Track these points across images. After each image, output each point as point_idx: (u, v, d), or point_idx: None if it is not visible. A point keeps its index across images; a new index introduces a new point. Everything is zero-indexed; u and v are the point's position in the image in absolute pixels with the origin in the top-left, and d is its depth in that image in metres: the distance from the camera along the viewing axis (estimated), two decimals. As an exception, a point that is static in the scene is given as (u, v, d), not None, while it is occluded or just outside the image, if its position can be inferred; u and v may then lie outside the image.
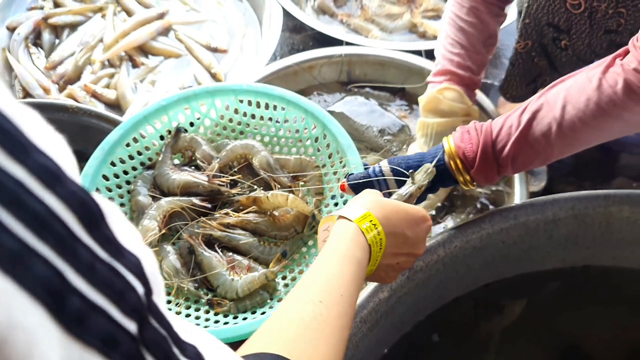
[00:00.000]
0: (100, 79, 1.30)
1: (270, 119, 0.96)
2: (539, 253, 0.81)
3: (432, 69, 1.03)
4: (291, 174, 0.89)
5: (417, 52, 1.23)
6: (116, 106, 1.27)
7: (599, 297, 0.85)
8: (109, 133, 0.91)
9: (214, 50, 1.35)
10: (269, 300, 0.78)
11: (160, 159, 0.91)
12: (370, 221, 0.57)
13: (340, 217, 0.58)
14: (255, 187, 0.88)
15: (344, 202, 0.86)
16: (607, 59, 0.69)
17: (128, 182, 0.91)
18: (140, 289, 0.26)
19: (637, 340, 0.81)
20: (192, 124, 0.95)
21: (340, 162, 0.88)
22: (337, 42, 1.28)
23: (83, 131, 1.05)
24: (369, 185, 0.78)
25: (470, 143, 0.73)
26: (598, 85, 0.67)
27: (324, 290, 0.50)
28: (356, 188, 0.79)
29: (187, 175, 0.88)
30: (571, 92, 0.69)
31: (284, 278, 0.80)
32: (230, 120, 0.96)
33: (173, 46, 1.37)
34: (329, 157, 0.91)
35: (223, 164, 0.91)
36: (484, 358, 0.83)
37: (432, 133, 0.99)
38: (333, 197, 0.87)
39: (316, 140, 0.92)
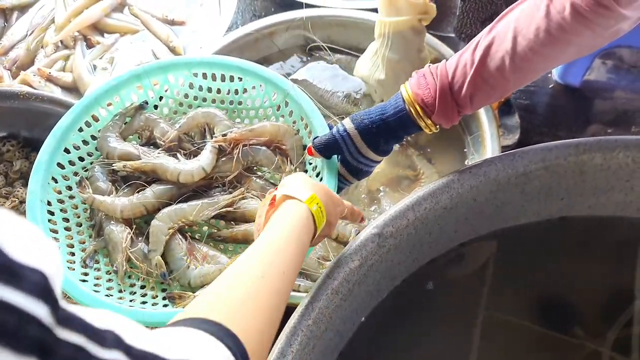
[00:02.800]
0: (54, 62, 1.25)
1: (228, 91, 0.92)
2: (513, 208, 0.79)
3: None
4: (270, 142, 0.86)
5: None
6: (74, 89, 1.22)
7: (578, 247, 0.84)
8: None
9: (172, 23, 1.30)
10: None
11: (108, 124, 0.88)
12: (317, 204, 0.59)
13: (288, 196, 0.60)
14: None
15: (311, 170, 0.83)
16: None
17: (85, 169, 0.87)
18: (42, 310, 0.24)
19: (616, 286, 0.80)
20: (146, 103, 0.91)
21: (306, 128, 0.86)
22: (298, 6, 1.23)
23: (37, 118, 1.00)
24: (335, 145, 0.77)
25: (427, 88, 0.72)
26: (546, 12, 0.64)
27: (269, 265, 0.51)
28: (323, 150, 0.79)
29: (130, 147, 0.85)
30: (520, 23, 0.66)
31: None
32: (186, 96, 0.93)
33: (129, 22, 1.31)
34: (293, 123, 0.88)
35: (182, 132, 0.88)
36: (465, 317, 0.82)
37: (388, 32, 0.99)
38: (311, 162, 0.85)
39: (278, 108, 0.89)
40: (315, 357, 0.64)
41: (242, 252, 0.74)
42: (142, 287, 0.80)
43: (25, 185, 1.02)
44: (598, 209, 0.81)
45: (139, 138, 0.91)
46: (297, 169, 0.85)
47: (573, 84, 1.22)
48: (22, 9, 1.34)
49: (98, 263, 0.81)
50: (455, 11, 1.06)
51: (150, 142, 0.90)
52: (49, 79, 1.21)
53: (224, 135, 0.84)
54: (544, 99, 1.22)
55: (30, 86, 1.18)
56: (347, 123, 0.77)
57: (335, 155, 0.80)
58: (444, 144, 1.07)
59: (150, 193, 0.82)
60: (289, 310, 0.66)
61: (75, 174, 0.86)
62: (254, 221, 0.78)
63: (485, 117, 0.98)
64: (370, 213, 0.99)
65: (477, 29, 1.01)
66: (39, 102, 0.98)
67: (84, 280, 0.77)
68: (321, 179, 0.80)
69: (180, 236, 0.81)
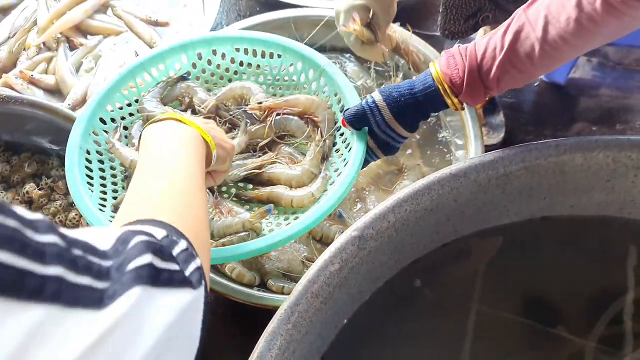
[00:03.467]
0: (37, 65, 1.24)
1: (267, 67, 0.95)
2: (495, 208, 0.79)
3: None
4: (303, 113, 0.88)
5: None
6: (57, 92, 1.21)
7: (559, 247, 0.84)
8: (45, 120, 0.89)
9: (155, 24, 1.29)
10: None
11: (151, 89, 0.91)
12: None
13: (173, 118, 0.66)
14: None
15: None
16: None
17: (126, 128, 0.91)
18: None
19: (598, 287, 0.80)
20: (188, 74, 0.94)
21: (339, 104, 0.88)
22: (283, 6, 1.22)
23: (18, 121, 0.99)
24: (364, 116, 0.80)
25: (456, 69, 0.74)
26: (577, 2, 0.65)
27: (187, 166, 0.59)
28: (352, 121, 0.81)
29: (171, 110, 0.88)
30: (551, 11, 0.67)
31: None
32: (227, 70, 0.96)
33: (112, 23, 1.30)
34: (327, 99, 0.91)
35: (219, 101, 0.91)
36: (452, 316, 0.82)
37: None
38: (342, 134, 0.87)
39: (313, 84, 0.91)
40: (296, 361, 0.64)
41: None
42: None
43: (7, 189, 1.02)
44: (580, 209, 0.81)
45: (179, 104, 0.93)
46: (327, 141, 0.88)
47: (558, 82, 1.22)
48: (4, 11, 1.33)
49: None
50: (440, 9, 1.06)
51: (189, 109, 0.92)
52: (31, 82, 1.20)
53: (259, 103, 0.88)
54: (529, 97, 1.22)
55: (12, 89, 1.17)
56: (376, 95, 0.79)
57: (366, 129, 0.82)
58: (428, 141, 1.07)
59: None
60: (270, 313, 0.66)
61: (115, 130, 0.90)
62: (279, 184, 0.85)
63: (468, 117, 0.98)
64: (355, 213, 0.99)
65: (460, 26, 1.01)
66: (19, 106, 0.97)
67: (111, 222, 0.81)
68: (350, 150, 0.82)
69: (208, 191, 0.84)
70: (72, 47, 1.27)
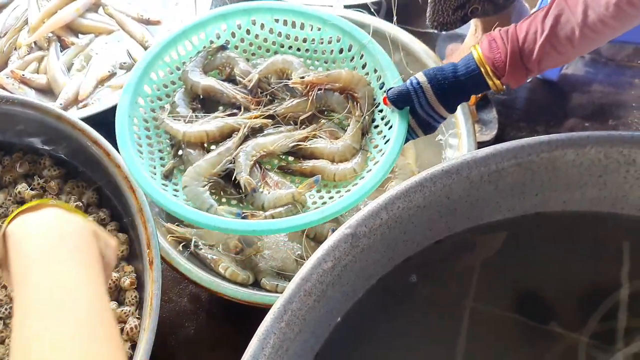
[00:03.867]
0: (28, 64, 1.23)
1: (305, 39, 0.95)
2: (487, 204, 0.79)
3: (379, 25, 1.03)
4: (343, 89, 0.89)
5: (364, 6, 1.18)
6: (48, 91, 1.21)
7: (553, 243, 0.84)
8: (37, 120, 0.88)
9: (147, 22, 1.29)
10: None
11: (193, 58, 0.93)
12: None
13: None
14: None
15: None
16: None
17: (168, 96, 0.93)
18: None
19: (591, 283, 0.80)
20: (227, 43, 0.96)
21: (378, 81, 0.89)
22: (274, 3, 1.22)
23: (9, 121, 0.99)
24: (408, 96, 0.82)
25: (498, 52, 0.78)
26: None
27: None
28: (396, 100, 0.83)
29: (213, 81, 0.91)
30: None
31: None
32: (265, 40, 0.97)
33: (103, 22, 1.30)
34: (366, 75, 0.91)
35: (262, 75, 0.92)
36: (443, 312, 0.82)
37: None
38: (380, 110, 0.88)
39: (352, 59, 0.92)
40: (290, 359, 0.64)
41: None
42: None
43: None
44: (573, 205, 0.81)
45: (218, 74, 0.95)
46: (367, 117, 0.89)
47: (551, 78, 1.23)
48: (-5, 10, 1.32)
49: (176, 179, 0.87)
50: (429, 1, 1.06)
51: (230, 79, 0.94)
52: (23, 81, 1.19)
53: (302, 78, 0.90)
54: (521, 93, 1.23)
55: (4, 89, 1.16)
56: (420, 77, 0.82)
57: (408, 108, 0.84)
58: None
59: (211, 125, 0.88)
60: (264, 312, 0.66)
61: (159, 98, 0.92)
62: (321, 159, 0.87)
63: (461, 114, 0.98)
64: (349, 212, 0.99)
65: (449, 17, 1.02)
66: (10, 105, 0.97)
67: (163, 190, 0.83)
68: (390, 128, 0.84)
69: (257, 165, 0.86)
70: (64, 46, 1.26)
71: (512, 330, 0.79)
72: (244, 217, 0.81)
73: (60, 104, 1.14)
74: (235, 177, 0.84)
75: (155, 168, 0.86)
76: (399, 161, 1.03)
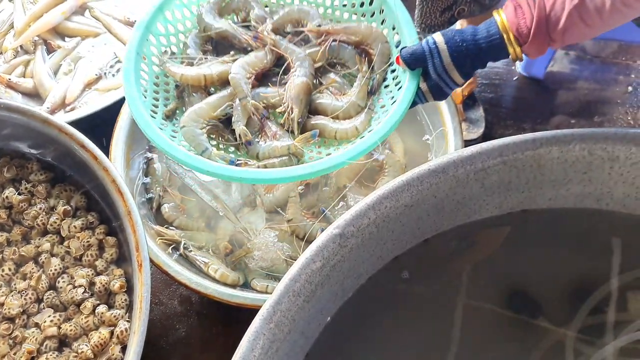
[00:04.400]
0: (14, 68, 1.23)
1: None
2: (474, 202, 0.79)
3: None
4: (359, 43, 0.87)
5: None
6: (35, 95, 1.20)
7: (540, 240, 0.85)
8: (24, 124, 0.89)
9: (133, 24, 1.28)
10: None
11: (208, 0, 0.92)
12: None
13: None
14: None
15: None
16: None
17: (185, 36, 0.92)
18: None
19: (578, 278, 0.81)
20: None
21: (395, 38, 0.86)
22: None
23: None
24: (422, 57, 0.79)
25: (523, 18, 0.75)
26: None
27: None
28: (409, 60, 0.80)
29: (227, 24, 0.90)
30: None
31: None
32: None
33: (90, 25, 1.29)
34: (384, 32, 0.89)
35: (277, 25, 0.90)
36: (433, 309, 0.83)
37: None
38: (393, 70, 0.86)
39: (372, 14, 0.90)
40: (280, 359, 0.64)
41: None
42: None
43: (-14, 195, 1.00)
44: (558, 201, 0.82)
45: (235, 17, 0.94)
46: (378, 76, 0.87)
47: (537, 76, 1.24)
48: (-20, 14, 1.31)
49: (177, 120, 0.86)
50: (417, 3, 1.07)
51: (246, 24, 0.93)
52: (9, 86, 1.19)
53: (319, 26, 0.87)
54: (508, 91, 1.24)
55: (-10, 93, 1.15)
56: (437, 37, 0.78)
57: (420, 70, 0.81)
58: (409, 135, 1.08)
59: (210, 69, 0.87)
60: (255, 312, 0.66)
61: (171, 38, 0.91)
62: (325, 115, 0.84)
63: (448, 112, 0.99)
64: (338, 211, 0.99)
65: (437, 19, 1.02)
66: (-5, 110, 0.96)
67: (161, 129, 0.82)
68: (400, 88, 0.82)
69: (256, 112, 0.84)
70: (50, 49, 1.26)
71: (501, 326, 0.80)
72: (237, 165, 0.79)
73: (47, 108, 1.14)
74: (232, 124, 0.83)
75: (157, 107, 0.85)
76: (389, 159, 1.03)
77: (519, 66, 1.26)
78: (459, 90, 1.16)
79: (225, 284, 0.88)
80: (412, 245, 0.80)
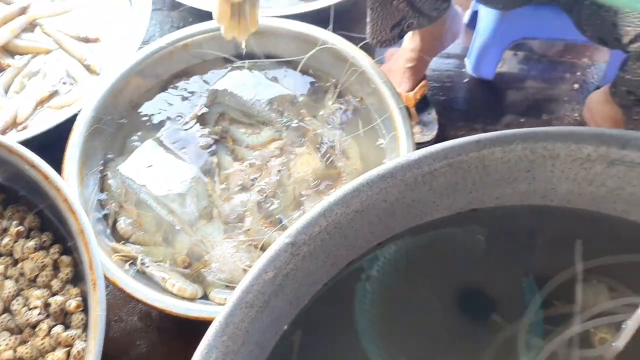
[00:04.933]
0: (-37, 89, 1.20)
1: None
2: (424, 205, 0.81)
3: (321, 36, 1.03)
4: None
5: (306, 15, 1.20)
6: (-15, 115, 1.18)
7: (490, 238, 0.87)
8: None
9: (85, 40, 1.27)
10: None
11: None
12: None
13: None
14: None
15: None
16: None
17: None
18: None
19: (528, 274, 0.83)
20: None
21: None
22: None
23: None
24: None
25: None
26: None
27: None
28: None
29: None
30: None
31: None
32: None
33: (40, 42, 1.27)
34: None
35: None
36: (389, 312, 0.84)
37: None
38: None
39: None
40: (235, 371, 0.65)
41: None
42: None
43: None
44: (505, 200, 0.84)
45: None
46: None
47: (487, 77, 1.27)
48: None
49: None
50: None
51: None
52: (-42, 107, 1.16)
53: None
54: (459, 93, 1.26)
55: (-62, 115, 1.13)
56: None
57: None
58: (364, 140, 1.09)
59: None
60: (206, 326, 0.67)
61: None
62: None
63: (399, 116, 1.01)
64: (296, 220, 1.00)
65: (387, 34, 1.04)
66: (-58, 133, 0.94)
67: None
68: None
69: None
70: (0, 68, 1.24)
71: (456, 325, 0.81)
72: None
73: (-1, 128, 1.12)
74: None
75: None
76: (346, 166, 1.04)
77: (468, 68, 1.28)
78: (411, 94, 1.19)
79: (183, 298, 0.88)
80: (366, 249, 0.81)
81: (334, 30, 1.14)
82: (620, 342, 0.72)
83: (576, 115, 1.19)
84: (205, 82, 1.16)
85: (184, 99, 1.16)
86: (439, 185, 0.79)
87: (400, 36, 1.05)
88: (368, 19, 1.04)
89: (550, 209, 0.85)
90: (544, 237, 0.85)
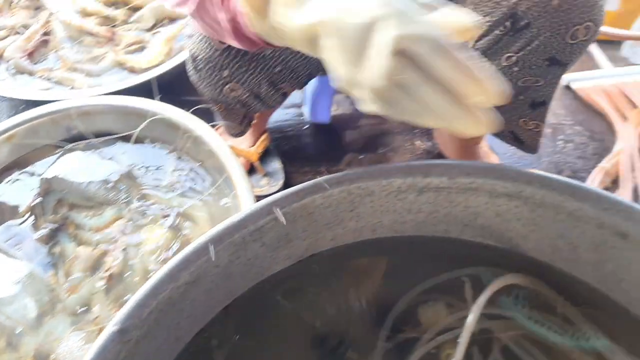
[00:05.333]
0: None
1: None
2: (262, 260, 0.82)
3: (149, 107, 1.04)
4: None
5: (135, 88, 1.20)
6: None
7: (333, 278, 0.90)
8: None
9: None
10: None
11: None
12: None
13: None
14: None
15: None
16: None
17: None
18: None
19: (373, 306, 0.87)
20: None
21: None
22: (41, 103, 1.19)
23: None
24: None
25: None
26: None
27: None
28: None
29: None
30: None
31: None
32: None
33: None
34: None
35: None
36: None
37: None
38: None
39: None
40: None
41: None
42: None
43: None
44: (340, 239, 0.88)
45: None
46: None
47: (324, 121, 1.33)
48: None
49: None
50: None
51: None
52: None
53: None
54: (301, 140, 1.32)
55: None
56: None
57: None
58: (211, 203, 1.10)
59: None
60: None
61: None
62: None
63: (238, 174, 1.03)
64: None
65: (239, 127, 1.11)
66: None
67: None
68: None
69: None
70: None
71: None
72: None
73: None
74: None
75: None
76: (194, 232, 1.04)
77: (306, 115, 1.34)
78: (252, 149, 1.22)
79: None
80: (211, 317, 0.81)
81: (167, 97, 1.15)
82: (457, 356, 0.77)
83: (408, 145, 1.28)
84: (36, 172, 1.12)
85: (18, 191, 1.11)
86: (270, 239, 0.81)
87: (249, 124, 1.09)
88: (220, 116, 1.08)
89: (381, 241, 0.90)
90: (379, 267, 0.90)
